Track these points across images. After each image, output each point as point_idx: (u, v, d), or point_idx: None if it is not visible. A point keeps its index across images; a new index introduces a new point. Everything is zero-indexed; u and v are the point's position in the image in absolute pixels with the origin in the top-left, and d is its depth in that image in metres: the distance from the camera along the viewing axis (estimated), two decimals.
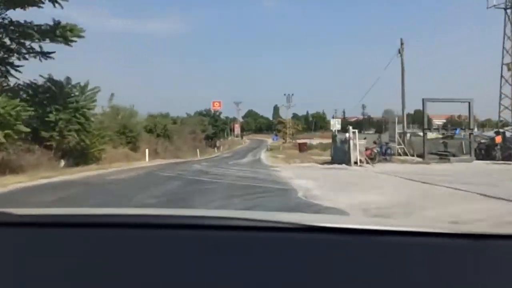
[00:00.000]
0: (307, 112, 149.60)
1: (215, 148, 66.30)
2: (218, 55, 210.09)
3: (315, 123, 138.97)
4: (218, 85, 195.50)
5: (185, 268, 0.93)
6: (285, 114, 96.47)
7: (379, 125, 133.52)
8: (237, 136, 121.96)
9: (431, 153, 23.58)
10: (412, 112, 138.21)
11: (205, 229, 1.09)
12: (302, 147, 57.85)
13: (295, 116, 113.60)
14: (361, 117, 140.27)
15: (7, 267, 0.97)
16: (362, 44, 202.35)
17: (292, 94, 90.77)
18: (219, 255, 0.97)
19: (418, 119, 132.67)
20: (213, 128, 71.75)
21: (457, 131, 25.41)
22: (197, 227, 1.10)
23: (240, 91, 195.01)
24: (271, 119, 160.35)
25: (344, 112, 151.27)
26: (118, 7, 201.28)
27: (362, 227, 1.07)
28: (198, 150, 45.51)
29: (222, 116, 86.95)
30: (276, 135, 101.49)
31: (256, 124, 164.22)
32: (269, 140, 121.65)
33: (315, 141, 76.62)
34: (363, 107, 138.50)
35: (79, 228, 1.13)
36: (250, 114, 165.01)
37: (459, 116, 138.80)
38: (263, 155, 48.72)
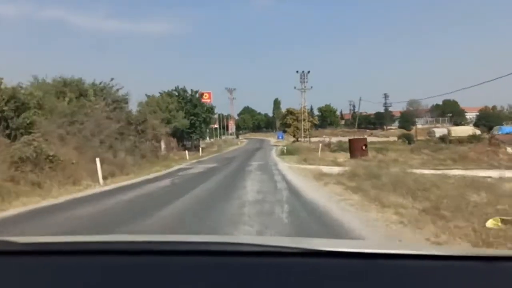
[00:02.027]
0: (311, 107, 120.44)
1: (187, 153, 36.24)
2: (212, 54, 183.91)
3: (323, 118, 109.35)
4: (211, 82, 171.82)
5: None
6: (298, 102, 66.50)
7: (405, 119, 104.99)
8: (231, 134, 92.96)
9: None
10: (440, 102, 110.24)
11: (212, 255, 1.04)
12: (357, 148, 26.83)
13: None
14: (364, 111, 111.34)
15: None
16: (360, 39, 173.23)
17: (308, 72, 61.02)
18: (227, 281, 0.93)
19: (449, 110, 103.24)
20: (189, 117, 42.14)
21: None
22: (203, 253, 1.06)
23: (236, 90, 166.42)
24: (270, 115, 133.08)
25: (354, 106, 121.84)
26: (113, 7, 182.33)
27: (371, 251, 1.04)
28: (99, 167, 14.86)
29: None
30: (284, 132, 72.00)
31: (254, 121, 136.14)
32: (271, 139, 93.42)
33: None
34: (386, 97, 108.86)
35: (82, 256, 1.09)
36: (247, 111, 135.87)
37: (494, 107, 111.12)
38: (291, 172, 18.79)
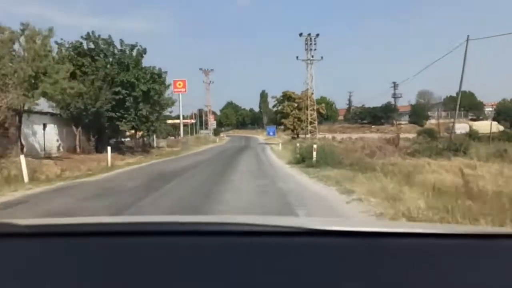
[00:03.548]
0: None
1: (23, 160, 14.49)
2: (194, 49, 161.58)
3: (319, 113, 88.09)
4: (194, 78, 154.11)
5: (191, 275, 0.87)
6: (304, 80, 45.67)
7: (417, 113, 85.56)
8: (206, 129, 72.24)
9: None
10: (453, 94, 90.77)
11: (208, 235, 1.02)
12: None
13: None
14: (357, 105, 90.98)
15: (16, 278, 0.89)
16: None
17: (317, 35, 39.92)
18: (224, 261, 0.91)
19: (465, 103, 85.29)
20: (110, 87, 21.13)
21: None
22: (200, 233, 1.03)
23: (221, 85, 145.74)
24: (256, 110, 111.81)
25: (350, 100, 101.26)
26: (97, 5, 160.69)
27: (367, 230, 1.03)
28: None
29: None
30: (280, 124, 51.15)
31: (238, 117, 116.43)
32: (259, 136, 73.53)
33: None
34: (394, 86, 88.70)
35: (86, 237, 1.06)
36: (230, 106, 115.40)
37: None
38: None
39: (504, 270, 0.87)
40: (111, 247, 0.99)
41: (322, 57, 39.79)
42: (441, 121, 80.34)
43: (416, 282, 0.82)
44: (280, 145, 29.14)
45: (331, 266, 0.87)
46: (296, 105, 46.45)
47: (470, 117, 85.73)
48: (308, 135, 39.10)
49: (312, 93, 39.81)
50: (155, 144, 35.48)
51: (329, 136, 45.57)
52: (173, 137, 51.19)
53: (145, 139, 35.03)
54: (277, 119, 53.99)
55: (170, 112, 32.11)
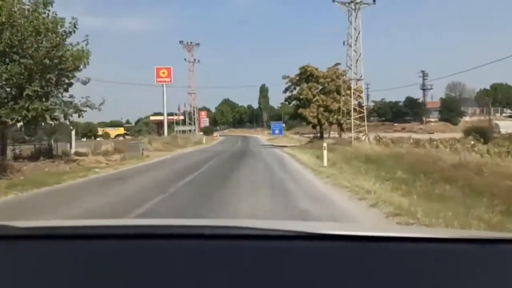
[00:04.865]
0: None
1: None
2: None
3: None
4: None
5: (193, 279, 0.86)
6: (345, 39, 28.33)
7: (449, 108, 68.70)
8: (202, 130, 55.80)
9: None
10: (487, 87, 74.69)
11: (211, 239, 1.01)
12: None
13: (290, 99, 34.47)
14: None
15: (13, 281, 0.88)
16: None
17: None
18: (226, 264, 0.90)
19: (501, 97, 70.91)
20: None
21: None
22: (205, 237, 1.01)
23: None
24: (255, 107, 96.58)
25: (368, 95, 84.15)
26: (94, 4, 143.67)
27: (369, 234, 1.03)
28: None
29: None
30: (295, 118, 33.94)
31: (235, 114, 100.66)
32: (259, 135, 57.73)
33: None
34: (423, 75, 71.52)
35: (84, 240, 1.04)
36: (227, 103, 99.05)
37: None
38: None
39: (505, 275, 0.86)
40: (110, 250, 0.97)
41: (374, 1, 22.46)
42: (475, 118, 63.76)
43: (417, 287, 0.82)
44: (324, 154, 12.05)
45: (335, 270, 0.86)
46: (320, 87, 29.50)
47: (508, 114, 70.06)
48: (352, 135, 21.85)
49: (359, 58, 22.47)
50: (72, 149, 18.31)
51: (362, 137, 28.80)
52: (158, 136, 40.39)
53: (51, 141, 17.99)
54: (282, 114, 37.38)
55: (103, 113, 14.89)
